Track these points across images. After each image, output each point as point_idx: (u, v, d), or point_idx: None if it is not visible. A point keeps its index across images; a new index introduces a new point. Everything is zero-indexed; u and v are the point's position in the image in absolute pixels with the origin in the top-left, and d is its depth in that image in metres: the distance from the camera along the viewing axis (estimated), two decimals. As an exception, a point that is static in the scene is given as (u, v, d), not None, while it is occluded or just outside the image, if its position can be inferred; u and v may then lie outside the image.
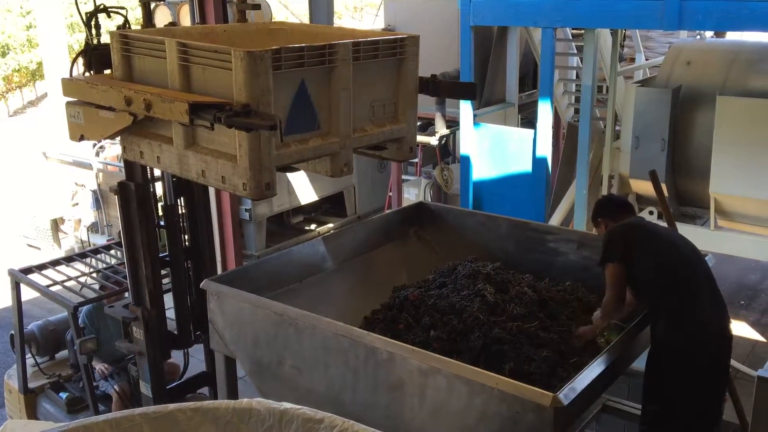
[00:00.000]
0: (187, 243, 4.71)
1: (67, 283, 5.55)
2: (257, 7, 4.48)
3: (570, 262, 4.65)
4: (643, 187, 6.75)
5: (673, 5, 5.91)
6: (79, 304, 5.14)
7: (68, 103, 3.60)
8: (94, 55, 3.69)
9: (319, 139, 3.26)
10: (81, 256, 6.12)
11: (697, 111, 6.68)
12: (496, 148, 7.71)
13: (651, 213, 6.79)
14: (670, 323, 3.61)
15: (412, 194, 9.09)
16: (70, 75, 3.64)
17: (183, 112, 2.85)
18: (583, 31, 7.08)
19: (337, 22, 23.29)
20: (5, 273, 5.74)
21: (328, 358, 3.52)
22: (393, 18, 10.67)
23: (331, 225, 8.67)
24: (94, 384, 5.20)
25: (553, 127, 7.54)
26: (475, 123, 7.65)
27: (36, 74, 24.12)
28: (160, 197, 4.65)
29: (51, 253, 10.50)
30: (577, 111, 8.74)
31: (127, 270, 4.48)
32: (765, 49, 6.87)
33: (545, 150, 7.41)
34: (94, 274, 5.73)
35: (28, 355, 5.70)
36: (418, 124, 3.77)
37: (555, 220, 7.73)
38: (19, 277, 5.51)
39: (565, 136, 8.84)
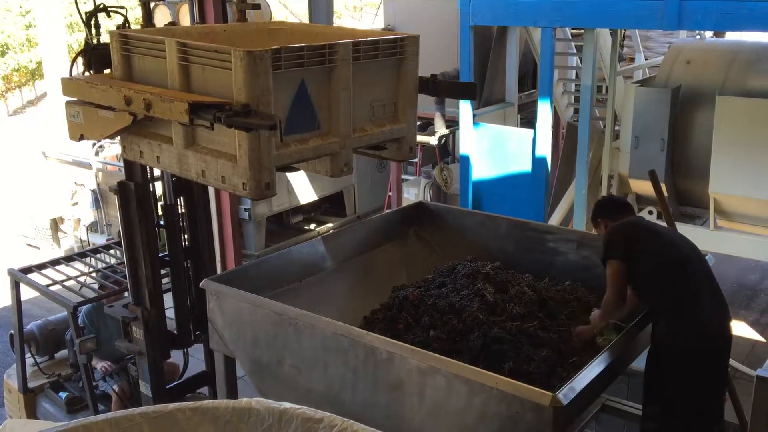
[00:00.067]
0: (186, 243, 4.71)
1: (66, 283, 5.55)
2: (257, 6, 4.48)
3: (569, 262, 4.65)
4: (642, 186, 6.75)
5: (673, 5, 5.91)
6: (79, 303, 5.14)
7: (68, 103, 3.60)
8: (94, 55, 3.69)
9: (319, 139, 3.26)
10: (80, 255, 6.12)
11: (697, 111, 6.68)
12: (496, 148, 7.71)
13: (650, 213, 6.80)
14: (670, 322, 3.61)
15: (412, 194, 9.09)
16: (70, 74, 3.64)
17: (183, 112, 2.85)
18: (582, 31, 7.09)
19: (337, 21, 23.28)
20: (5, 272, 5.74)
21: (327, 358, 3.52)
22: (392, 18, 10.67)
23: (330, 225, 8.67)
24: (94, 384, 5.20)
25: (552, 127, 7.54)
26: (475, 123, 7.65)
27: (35, 74, 24.12)
28: (160, 197, 4.65)
29: (50, 253, 10.50)
30: (576, 111, 8.75)
31: (126, 270, 4.48)
32: (764, 49, 6.88)
33: (545, 150, 7.41)
34: (94, 274, 5.73)
35: (28, 355, 5.70)
36: (418, 123, 3.76)
37: (554, 219, 7.74)
38: (18, 277, 5.51)
39: (564, 136, 8.85)
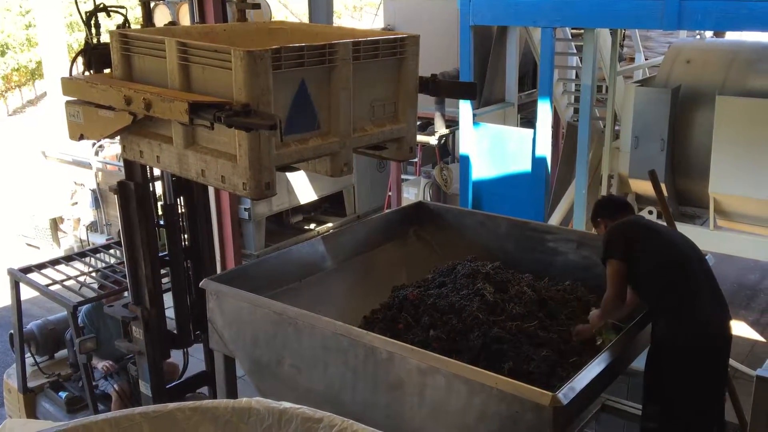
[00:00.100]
0: (186, 242, 4.71)
1: (66, 283, 5.55)
2: (257, 6, 4.48)
3: (569, 262, 4.65)
4: (642, 186, 6.75)
5: (673, 5, 5.91)
6: (79, 303, 5.14)
7: (68, 103, 3.60)
8: (94, 55, 3.69)
9: (319, 139, 3.26)
10: (80, 255, 6.12)
11: (697, 111, 6.68)
12: (496, 148, 7.71)
13: (650, 213, 6.80)
14: (670, 322, 3.61)
15: (412, 194, 9.09)
16: (70, 74, 3.64)
17: (183, 112, 2.85)
18: (582, 31, 7.08)
19: (337, 21, 23.28)
20: (5, 272, 5.74)
21: (327, 358, 3.52)
22: (392, 17, 10.66)
23: (330, 224, 8.67)
24: (94, 383, 5.20)
25: (552, 127, 7.54)
26: (475, 122, 7.65)
27: (35, 73, 24.11)
28: (160, 196, 4.65)
29: (50, 253, 10.50)
30: (576, 111, 8.74)
31: (126, 269, 4.48)
32: (764, 49, 6.88)
33: (545, 150, 7.41)
34: (94, 274, 5.73)
35: (28, 355, 5.69)
36: (418, 123, 3.76)
37: (554, 219, 7.73)
38: (18, 277, 5.51)
39: (564, 136, 8.85)
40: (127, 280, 4.53)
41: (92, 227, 10.54)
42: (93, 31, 3.82)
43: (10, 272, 5.59)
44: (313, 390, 3.63)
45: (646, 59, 9.60)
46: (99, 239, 9.77)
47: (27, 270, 5.58)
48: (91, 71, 3.71)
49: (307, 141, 3.21)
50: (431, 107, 8.27)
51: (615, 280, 3.76)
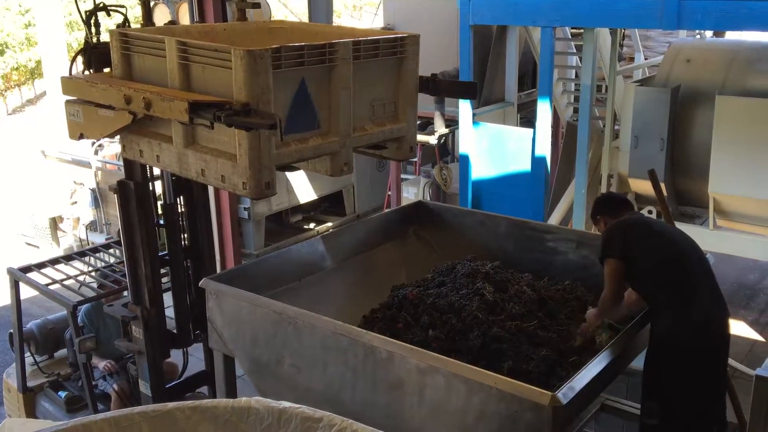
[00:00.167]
0: (186, 242, 4.71)
1: (66, 282, 5.54)
2: (257, 5, 4.48)
3: (569, 261, 4.65)
4: (642, 186, 6.75)
5: (672, 5, 5.91)
6: (78, 302, 5.14)
7: (68, 102, 3.59)
8: (94, 54, 3.69)
9: (319, 138, 3.26)
10: (80, 254, 6.11)
11: (697, 110, 6.68)
12: (495, 148, 7.71)
13: (650, 212, 6.80)
14: (668, 320, 3.61)
15: (411, 193, 9.10)
16: (70, 73, 3.64)
17: (183, 111, 2.85)
18: (582, 31, 7.08)
19: (336, 21, 23.28)
20: (4, 271, 5.74)
21: (327, 357, 3.52)
22: (392, 17, 10.66)
23: (330, 224, 8.67)
24: (93, 383, 5.20)
25: (552, 127, 7.54)
26: (474, 122, 7.65)
27: (35, 73, 24.09)
28: (160, 196, 4.65)
29: (50, 252, 10.50)
30: (576, 110, 8.75)
31: (126, 269, 4.48)
32: (764, 48, 6.88)
33: (544, 149, 7.41)
34: (93, 273, 5.73)
35: (27, 354, 5.69)
36: (417, 123, 3.76)
37: (554, 219, 7.74)
38: (18, 276, 5.51)
39: (564, 136, 8.85)
40: (127, 280, 4.53)
41: (92, 226, 10.54)
42: (93, 30, 3.82)
43: (10, 271, 5.58)
44: (312, 389, 3.63)
45: (645, 59, 9.60)
46: (98, 238, 9.77)
47: (26, 269, 5.58)
48: (91, 70, 3.71)
49: (307, 140, 3.21)
50: (431, 107, 8.28)
51: (612, 279, 3.77)
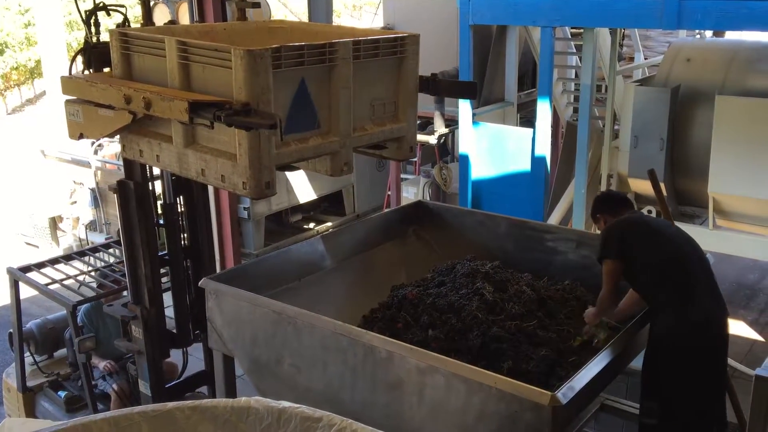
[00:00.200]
0: (186, 242, 4.71)
1: (65, 282, 5.54)
2: (257, 5, 4.47)
3: (568, 261, 4.66)
4: (641, 186, 6.75)
5: (672, 4, 5.91)
6: (78, 302, 5.13)
7: (67, 102, 3.59)
8: (94, 53, 3.69)
9: (319, 138, 3.25)
10: (80, 254, 6.11)
11: (696, 110, 6.68)
12: (495, 147, 7.71)
13: (650, 212, 6.79)
14: (667, 320, 3.62)
15: (411, 193, 9.10)
16: (70, 73, 3.64)
17: (183, 111, 2.85)
18: (582, 30, 7.08)
19: (336, 20, 23.27)
20: (4, 271, 5.74)
21: (326, 357, 3.52)
22: (392, 16, 10.66)
23: (329, 224, 8.67)
24: (93, 383, 5.20)
25: (552, 126, 7.54)
26: (474, 122, 7.65)
27: (34, 72, 24.08)
28: (159, 196, 4.65)
29: (49, 252, 10.49)
30: (575, 110, 8.74)
31: (126, 269, 4.48)
32: (764, 48, 6.88)
33: (544, 149, 7.41)
34: (93, 273, 5.72)
35: (27, 354, 5.69)
36: (417, 122, 3.77)
37: (554, 219, 7.74)
38: (17, 276, 5.50)
39: (563, 135, 8.85)
40: (127, 280, 4.53)
41: (91, 226, 10.54)
42: (93, 29, 3.81)
43: (10, 271, 5.58)
44: (312, 389, 3.63)
45: (645, 59, 9.60)
46: (98, 238, 9.77)
47: (26, 269, 5.57)
48: (91, 70, 3.70)
49: (307, 140, 3.21)
50: (431, 106, 8.28)
51: (609, 280, 3.78)
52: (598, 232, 4.21)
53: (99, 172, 10.16)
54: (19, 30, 23.79)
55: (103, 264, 5.90)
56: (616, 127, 7.33)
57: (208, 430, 2.36)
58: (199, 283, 4.08)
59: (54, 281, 5.51)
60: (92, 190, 10.23)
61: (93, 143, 9.82)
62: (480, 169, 7.75)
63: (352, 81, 3.26)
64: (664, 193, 5.38)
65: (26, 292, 5.77)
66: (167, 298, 4.59)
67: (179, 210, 4.64)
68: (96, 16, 3.86)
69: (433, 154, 9.12)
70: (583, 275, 4.48)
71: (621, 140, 7.08)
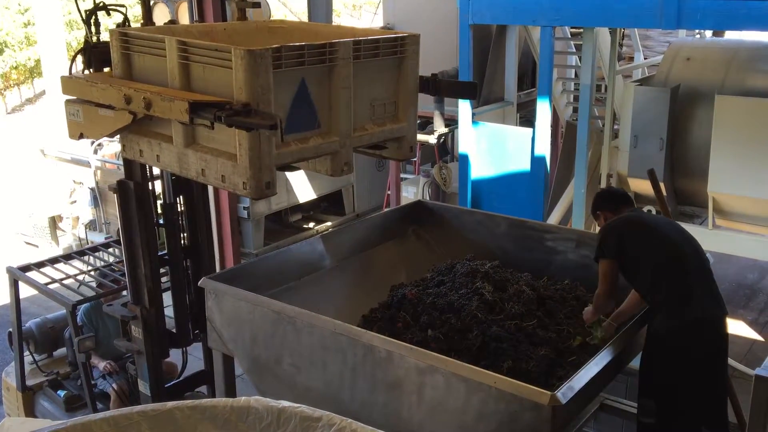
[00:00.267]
0: (185, 241, 4.71)
1: (65, 281, 5.54)
2: (257, 5, 4.47)
3: (568, 261, 4.66)
4: (641, 185, 6.75)
5: (672, 4, 5.90)
6: (78, 302, 5.13)
7: (67, 102, 3.59)
8: (94, 53, 3.69)
9: (320, 138, 3.26)
10: (79, 254, 6.11)
11: (696, 110, 6.68)
12: (495, 147, 7.71)
13: (649, 212, 6.80)
14: (665, 319, 3.62)
15: (411, 193, 9.09)
16: (70, 73, 3.64)
17: (183, 111, 2.85)
18: (581, 30, 7.08)
19: (336, 20, 23.27)
20: (3, 271, 5.74)
21: (326, 357, 3.52)
22: (392, 16, 10.67)
23: (329, 223, 8.67)
24: (93, 382, 5.20)
25: (551, 126, 7.54)
26: (474, 121, 7.65)
27: (34, 72, 24.07)
28: (159, 195, 4.65)
29: (49, 251, 10.49)
30: (575, 110, 8.75)
31: (125, 268, 4.48)
32: (764, 48, 6.88)
33: (544, 149, 7.40)
34: (93, 272, 5.72)
35: (26, 353, 5.69)
36: (417, 122, 3.77)
37: (553, 218, 7.74)
38: (17, 275, 5.50)
39: (563, 135, 8.85)
40: (126, 279, 4.53)
41: (91, 226, 10.54)
42: (93, 29, 3.81)
43: (9, 270, 5.58)
44: (311, 389, 3.63)
45: (645, 58, 9.60)
46: (98, 238, 9.77)
47: (26, 268, 5.57)
48: (91, 70, 3.70)
49: (308, 140, 3.21)
50: (430, 106, 8.28)
51: (606, 279, 3.78)
52: (599, 227, 4.21)
53: (99, 172, 10.16)
54: (18, 29, 23.79)
55: (102, 264, 5.90)
56: (615, 126, 7.32)
57: (208, 430, 2.36)
58: (199, 282, 4.08)
59: (53, 281, 5.51)
60: (92, 189, 10.23)
61: (93, 143, 9.82)
62: (479, 169, 7.75)
63: (352, 81, 3.26)
64: (664, 192, 5.38)
65: (26, 291, 5.78)
66: (167, 298, 4.59)
67: (179, 210, 4.64)
68: (96, 16, 3.86)
69: (432, 153, 9.12)
70: (582, 275, 4.48)
71: (621, 140, 7.08)
